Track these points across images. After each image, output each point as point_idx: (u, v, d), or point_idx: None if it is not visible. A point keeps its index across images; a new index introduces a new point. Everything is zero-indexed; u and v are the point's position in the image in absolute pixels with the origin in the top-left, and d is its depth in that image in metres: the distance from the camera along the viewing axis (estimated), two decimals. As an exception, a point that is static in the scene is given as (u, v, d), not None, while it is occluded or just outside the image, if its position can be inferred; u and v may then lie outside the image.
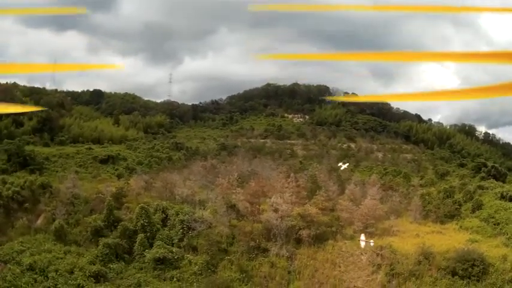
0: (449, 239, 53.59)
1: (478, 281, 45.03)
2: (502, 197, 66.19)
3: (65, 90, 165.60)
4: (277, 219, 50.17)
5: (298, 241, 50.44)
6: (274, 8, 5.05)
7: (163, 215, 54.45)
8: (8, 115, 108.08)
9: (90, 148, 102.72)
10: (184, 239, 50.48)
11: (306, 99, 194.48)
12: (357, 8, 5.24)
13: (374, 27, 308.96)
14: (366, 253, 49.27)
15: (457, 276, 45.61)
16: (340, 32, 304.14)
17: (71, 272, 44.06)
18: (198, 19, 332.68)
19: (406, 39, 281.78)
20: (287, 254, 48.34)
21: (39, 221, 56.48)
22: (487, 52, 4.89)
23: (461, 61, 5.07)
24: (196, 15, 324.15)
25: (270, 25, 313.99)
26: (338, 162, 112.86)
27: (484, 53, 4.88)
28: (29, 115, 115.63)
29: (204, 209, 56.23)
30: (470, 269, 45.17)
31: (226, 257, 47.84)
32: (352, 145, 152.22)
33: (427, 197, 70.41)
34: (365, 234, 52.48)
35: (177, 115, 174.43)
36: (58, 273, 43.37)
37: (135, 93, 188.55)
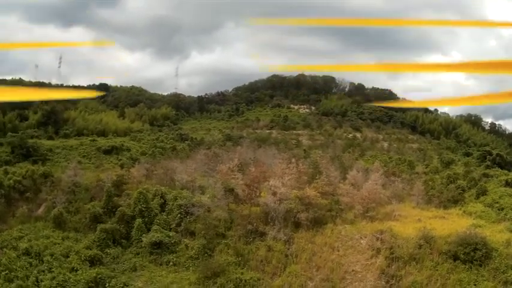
0: (452, 224, 52.36)
1: (480, 265, 43.53)
2: (507, 184, 65.48)
3: (70, 85, 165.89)
4: (275, 202, 49.46)
5: (297, 225, 49.61)
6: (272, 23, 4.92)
7: (162, 200, 54.21)
8: (12, 109, 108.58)
9: (94, 140, 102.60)
10: (182, 224, 50.05)
11: (312, 90, 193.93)
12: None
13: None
14: (365, 237, 48.57)
15: (458, 261, 44.33)
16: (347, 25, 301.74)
17: (67, 256, 43.90)
18: (205, 13, 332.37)
19: (413, 32, 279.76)
20: (285, 237, 47.50)
21: (40, 210, 56.47)
22: (484, 62, 5.28)
23: (458, 71, 5.23)
24: (203, 9, 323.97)
25: (277, 18, 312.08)
26: (343, 151, 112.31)
27: (482, 63, 5.23)
28: (34, 109, 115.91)
29: (203, 194, 55.76)
30: (472, 253, 43.77)
31: (223, 241, 47.33)
32: (358, 135, 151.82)
33: (430, 182, 69.57)
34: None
35: (183, 107, 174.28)
36: (53, 257, 43.16)
37: (142, 87, 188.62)
